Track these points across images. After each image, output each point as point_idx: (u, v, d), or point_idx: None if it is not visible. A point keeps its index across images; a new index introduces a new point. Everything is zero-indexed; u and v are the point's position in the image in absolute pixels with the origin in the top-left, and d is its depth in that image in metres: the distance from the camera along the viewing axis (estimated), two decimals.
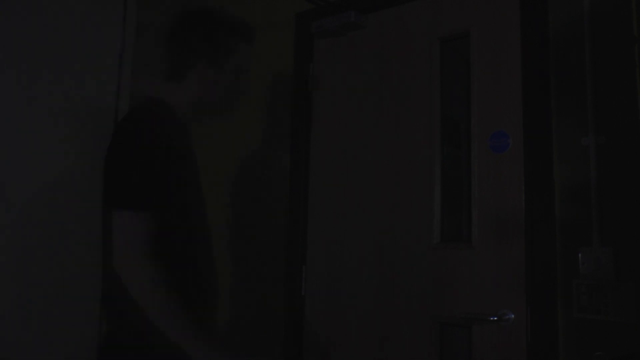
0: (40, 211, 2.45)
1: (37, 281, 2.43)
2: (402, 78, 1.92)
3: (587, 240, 1.50)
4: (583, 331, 1.47)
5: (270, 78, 2.24)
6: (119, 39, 2.79)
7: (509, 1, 1.71)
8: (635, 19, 1.49)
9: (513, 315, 1.58)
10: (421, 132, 1.85)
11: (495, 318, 1.58)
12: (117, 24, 2.80)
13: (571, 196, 1.54)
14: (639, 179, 1.44)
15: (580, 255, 1.50)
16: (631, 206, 1.45)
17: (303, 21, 2.16)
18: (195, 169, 1.44)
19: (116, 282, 1.21)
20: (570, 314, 1.50)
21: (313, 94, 2.13)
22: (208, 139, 2.51)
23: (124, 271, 1.20)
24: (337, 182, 2.03)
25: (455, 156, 1.83)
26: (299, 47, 2.17)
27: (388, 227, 1.87)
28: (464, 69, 1.80)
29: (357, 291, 1.91)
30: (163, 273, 1.21)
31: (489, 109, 1.72)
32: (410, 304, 1.78)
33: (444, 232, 1.78)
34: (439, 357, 1.71)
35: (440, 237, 1.78)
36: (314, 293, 2.02)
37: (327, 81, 2.11)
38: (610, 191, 1.48)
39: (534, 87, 1.63)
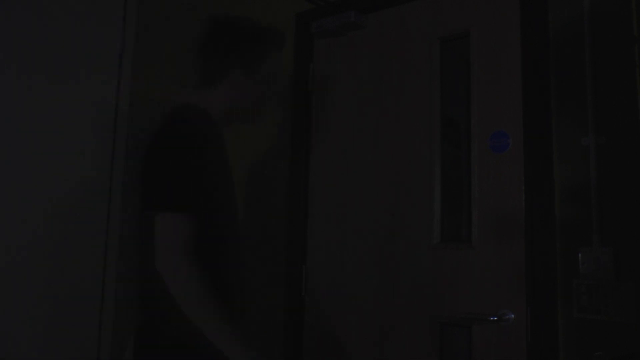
0: (41, 212, 2.45)
1: (38, 282, 2.43)
2: (402, 78, 1.92)
3: (587, 240, 1.50)
4: (583, 331, 1.47)
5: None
6: (119, 39, 2.79)
7: (509, 1, 1.71)
8: (635, 19, 1.49)
9: (513, 315, 1.58)
10: (421, 132, 1.85)
11: (495, 318, 1.58)
12: (117, 24, 2.80)
13: (571, 196, 1.54)
14: (639, 179, 1.44)
15: (580, 255, 1.50)
16: (631, 206, 1.45)
17: (303, 21, 2.16)
18: (228, 172, 1.46)
19: (154, 281, 1.25)
20: (570, 314, 1.50)
21: (313, 94, 2.13)
22: None
23: (166, 271, 1.24)
24: (337, 182, 2.02)
25: (455, 156, 1.83)
26: (299, 47, 2.17)
27: (388, 227, 1.87)
28: (464, 69, 1.80)
29: (357, 291, 1.91)
30: (202, 273, 1.24)
31: (489, 109, 1.72)
32: (410, 304, 1.78)
33: (444, 232, 1.78)
34: (439, 357, 1.71)
35: (440, 237, 1.78)
36: (314, 293, 2.02)
37: (327, 81, 2.11)
38: (610, 191, 1.48)
39: (534, 87, 1.63)
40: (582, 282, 1.48)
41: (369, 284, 1.88)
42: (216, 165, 1.37)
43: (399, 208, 1.86)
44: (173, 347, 1.28)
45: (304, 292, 2.03)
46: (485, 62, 1.74)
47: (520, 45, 1.67)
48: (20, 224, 2.39)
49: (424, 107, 1.85)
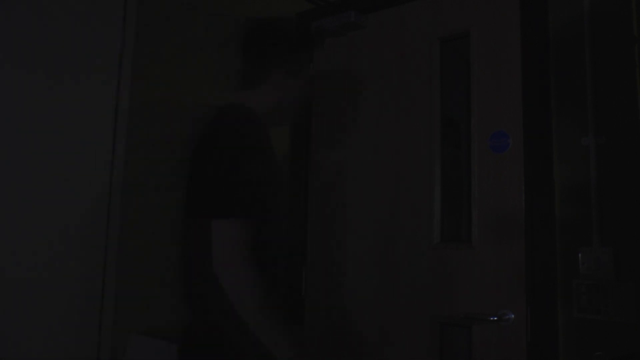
0: (40, 212, 2.45)
1: (38, 282, 2.43)
2: (402, 78, 1.92)
3: (587, 240, 1.50)
4: (583, 331, 1.47)
5: None
6: (119, 39, 2.80)
7: (509, 1, 1.71)
8: (635, 19, 1.49)
9: (513, 315, 1.58)
10: (421, 132, 1.85)
11: (495, 318, 1.58)
12: (117, 24, 2.80)
13: (571, 196, 1.54)
14: (639, 179, 1.44)
15: (580, 255, 1.50)
16: (631, 206, 1.45)
17: (303, 21, 2.16)
18: (277, 171, 1.44)
19: (204, 282, 1.27)
20: (570, 314, 1.49)
21: (313, 94, 2.13)
22: None
23: (226, 276, 1.24)
24: (337, 182, 2.02)
25: (455, 156, 1.83)
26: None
27: (388, 227, 1.87)
28: (464, 69, 1.80)
29: (357, 291, 1.91)
30: (257, 275, 1.25)
31: (489, 109, 1.72)
32: (411, 304, 1.78)
33: (444, 232, 1.78)
34: (439, 357, 1.71)
35: (440, 237, 1.78)
36: (313, 293, 2.02)
37: (326, 81, 2.11)
38: (610, 191, 1.48)
39: (534, 87, 1.63)
40: (582, 282, 1.48)
41: (369, 284, 1.88)
42: (267, 166, 1.35)
43: (399, 208, 1.86)
44: (218, 346, 1.29)
45: (303, 293, 2.03)
46: (485, 62, 1.74)
47: (520, 45, 1.67)
48: (19, 224, 2.39)
49: (424, 107, 1.85)
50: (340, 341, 1.93)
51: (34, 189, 2.44)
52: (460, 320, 1.67)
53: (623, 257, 1.44)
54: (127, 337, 2.50)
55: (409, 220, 1.83)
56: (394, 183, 1.88)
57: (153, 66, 2.75)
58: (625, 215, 1.45)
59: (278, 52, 1.47)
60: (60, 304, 2.49)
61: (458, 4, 1.82)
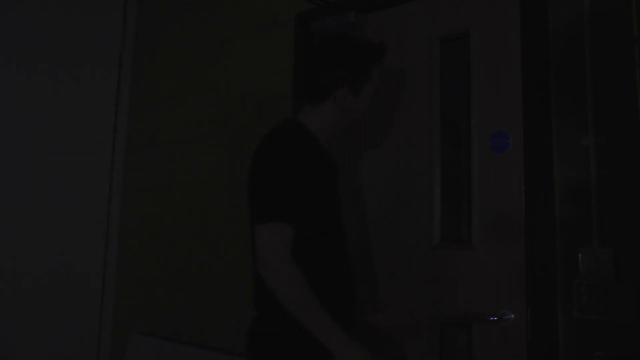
0: (40, 210, 2.46)
1: (38, 282, 2.44)
2: (402, 78, 1.92)
3: (587, 240, 1.49)
4: (583, 331, 1.47)
5: (270, 78, 2.24)
6: (119, 39, 2.80)
7: (509, 1, 1.71)
8: (635, 19, 1.49)
9: (513, 315, 1.58)
10: (421, 133, 1.85)
11: (495, 318, 1.58)
12: (117, 24, 2.80)
13: (571, 196, 1.54)
14: (639, 179, 1.44)
15: (580, 255, 1.50)
16: (631, 206, 1.45)
17: (303, 21, 2.16)
18: (329, 181, 1.49)
19: (260, 280, 1.35)
20: (570, 314, 1.49)
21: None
22: (214, 141, 2.52)
23: (267, 277, 1.32)
24: None
25: (455, 156, 1.83)
26: (299, 47, 2.16)
27: (388, 227, 1.87)
28: (464, 69, 1.80)
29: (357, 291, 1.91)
30: (300, 275, 1.30)
31: (489, 109, 1.72)
32: (410, 304, 1.78)
33: (444, 232, 1.78)
34: (439, 357, 1.71)
35: (440, 237, 1.78)
36: None
37: None
38: (610, 191, 1.48)
39: (534, 87, 1.63)
40: (582, 282, 1.48)
41: (369, 284, 1.88)
42: (313, 176, 1.40)
43: (399, 208, 1.86)
44: (276, 341, 1.36)
45: None
46: (485, 62, 1.74)
47: (520, 45, 1.67)
48: (18, 224, 2.39)
49: (424, 107, 1.85)
50: None
51: (34, 188, 2.44)
52: (460, 320, 1.67)
53: (623, 257, 1.44)
54: (127, 337, 2.51)
55: (409, 220, 1.83)
56: (394, 183, 1.88)
57: (153, 66, 2.76)
58: (625, 215, 1.45)
59: (343, 69, 1.47)
60: (60, 303, 2.49)
61: (458, 4, 1.82)
